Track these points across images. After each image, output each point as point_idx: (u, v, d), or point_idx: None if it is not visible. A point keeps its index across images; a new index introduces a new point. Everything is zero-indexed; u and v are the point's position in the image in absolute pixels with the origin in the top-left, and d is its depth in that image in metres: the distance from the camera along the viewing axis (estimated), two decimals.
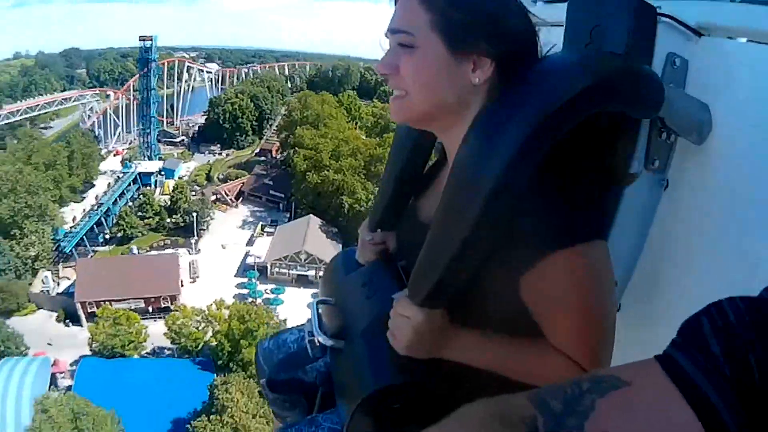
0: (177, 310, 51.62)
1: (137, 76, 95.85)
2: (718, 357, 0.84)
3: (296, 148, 76.64)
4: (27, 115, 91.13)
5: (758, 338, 0.82)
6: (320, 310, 2.14)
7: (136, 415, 39.35)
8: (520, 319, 1.65)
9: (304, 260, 61.67)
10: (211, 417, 37.66)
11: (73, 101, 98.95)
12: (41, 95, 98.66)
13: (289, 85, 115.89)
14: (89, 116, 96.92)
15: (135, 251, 67.81)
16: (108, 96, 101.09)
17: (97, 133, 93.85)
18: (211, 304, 50.16)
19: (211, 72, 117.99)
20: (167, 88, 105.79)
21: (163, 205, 74.62)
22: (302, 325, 2.45)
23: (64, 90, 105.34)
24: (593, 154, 1.72)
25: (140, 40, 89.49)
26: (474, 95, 1.68)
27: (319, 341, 2.02)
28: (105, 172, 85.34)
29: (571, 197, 1.61)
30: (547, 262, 1.55)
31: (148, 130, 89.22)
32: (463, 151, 1.54)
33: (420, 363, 1.74)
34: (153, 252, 68.58)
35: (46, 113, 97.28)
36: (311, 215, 69.12)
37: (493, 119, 1.50)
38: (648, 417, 0.85)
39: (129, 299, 54.07)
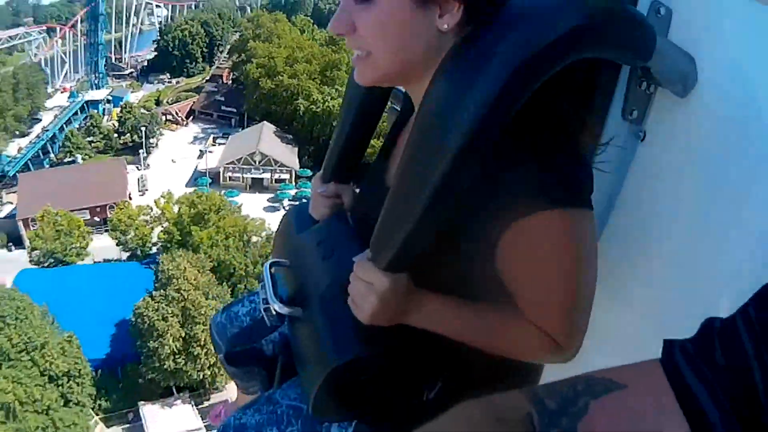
0: (122, 208, 49.14)
1: (84, 10, 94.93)
2: (722, 371, 0.83)
3: (249, 61, 74.50)
4: None
5: (764, 353, 0.82)
6: (273, 272, 1.95)
7: (75, 314, 36.90)
8: (491, 287, 1.54)
9: (259, 162, 59.82)
10: (154, 294, 35.11)
11: (19, 38, 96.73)
12: None
13: (240, 15, 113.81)
14: (35, 54, 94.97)
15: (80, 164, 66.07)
16: (54, 31, 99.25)
17: (44, 71, 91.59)
18: (159, 199, 48.00)
19: (160, 16, 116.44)
20: (115, 32, 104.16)
21: (110, 128, 73.05)
22: (253, 294, 2.39)
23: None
24: (574, 107, 1.58)
25: None
26: (443, 43, 1.45)
27: (276, 310, 1.84)
28: (52, 108, 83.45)
29: (554, 155, 1.45)
30: (526, 224, 1.41)
31: (95, 59, 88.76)
32: (430, 97, 1.36)
33: (385, 331, 1.60)
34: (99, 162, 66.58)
35: None
36: (265, 122, 67.37)
37: (464, 60, 1.33)
38: (639, 424, 0.85)
39: (74, 210, 51.22)
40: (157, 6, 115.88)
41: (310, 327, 1.79)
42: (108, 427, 36.10)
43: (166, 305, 33.88)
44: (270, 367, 2.27)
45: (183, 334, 33.60)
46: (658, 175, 1.92)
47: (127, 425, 36.51)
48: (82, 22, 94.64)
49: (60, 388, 32.05)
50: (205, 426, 33.47)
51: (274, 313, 1.86)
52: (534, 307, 1.51)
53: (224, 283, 38.06)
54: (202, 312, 33.47)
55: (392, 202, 1.48)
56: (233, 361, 2.34)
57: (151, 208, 48.34)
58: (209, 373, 34.74)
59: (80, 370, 33.40)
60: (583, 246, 1.47)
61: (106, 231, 50.73)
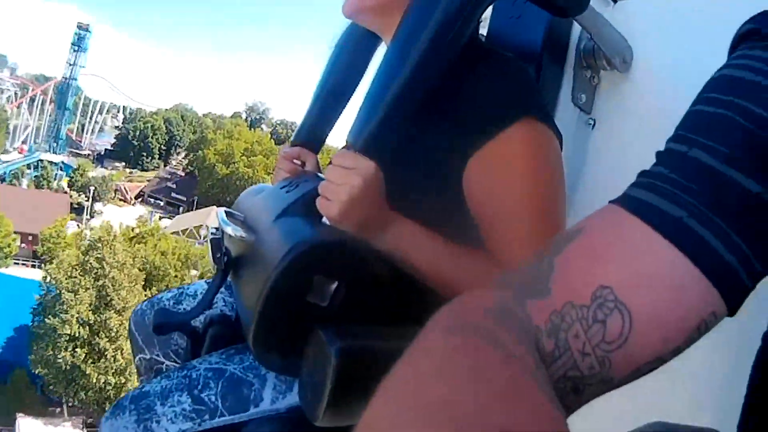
0: (56, 227, 47.95)
1: (58, 80, 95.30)
2: (674, 180, 0.79)
3: (205, 151, 76.30)
4: None
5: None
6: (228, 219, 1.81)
7: None
8: (459, 215, 1.55)
9: (204, 237, 57.51)
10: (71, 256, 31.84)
11: None
12: None
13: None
14: (3, 105, 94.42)
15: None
16: (26, 88, 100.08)
17: (7, 124, 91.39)
18: (95, 227, 45.92)
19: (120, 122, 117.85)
20: (79, 121, 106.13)
21: (59, 188, 72.36)
22: (179, 287, 2.28)
23: None
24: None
25: (78, 27, 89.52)
26: None
27: (228, 233, 1.69)
28: (4, 162, 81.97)
29: (515, 75, 1.60)
30: (493, 142, 1.48)
31: (59, 125, 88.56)
32: (406, 18, 1.53)
33: (345, 236, 1.52)
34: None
35: None
36: (215, 207, 65.60)
37: None
38: (615, 257, 0.78)
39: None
40: (122, 113, 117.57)
41: (260, 252, 1.63)
42: None
43: (81, 274, 29.59)
44: (197, 345, 2.03)
45: (91, 320, 28.71)
46: (612, 159, 2.05)
47: None
48: (53, 93, 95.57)
49: None
50: None
51: (222, 249, 1.78)
52: (496, 234, 1.50)
53: (153, 288, 32.23)
54: (121, 295, 29.15)
55: (371, 90, 1.54)
56: (161, 329, 1.97)
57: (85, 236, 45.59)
58: (114, 381, 28.67)
59: None
60: (547, 162, 1.53)
61: (33, 266, 49.06)
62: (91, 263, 29.64)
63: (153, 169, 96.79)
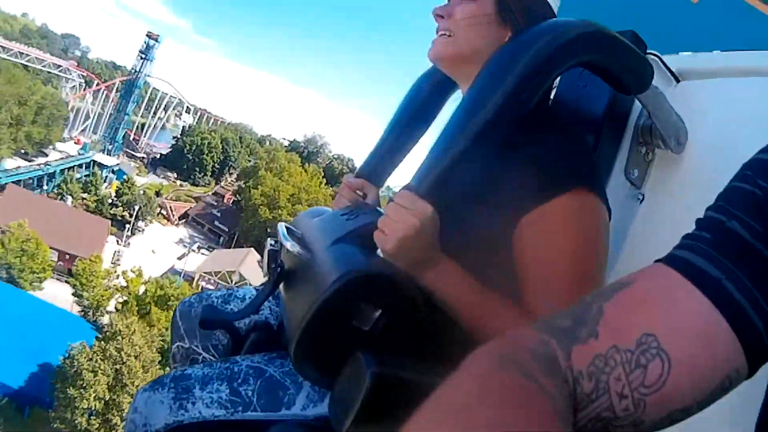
0: (92, 260, 48.21)
1: (125, 78, 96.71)
2: (715, 242, 0.88)
3: (254, 188, 76.40)
4: (16, 60, 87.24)
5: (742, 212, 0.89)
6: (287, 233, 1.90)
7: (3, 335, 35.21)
8: (503, 270, 1.62)
9: (235, 282, 57.56)
10: (94, 343, 33.42)
11: (60, 70, 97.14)
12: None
13: (260, 146, 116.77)
14: (67, 94, 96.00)
15: (69, 203, 65.81)
16: (90, 83, 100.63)
17: (68, 115, 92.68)
18: (126, 271, 48.01)
19: (185, 123, 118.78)
20: (141, 117, 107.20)
21: (107, 195, 73.10)
22: (229, 288, 2.49)
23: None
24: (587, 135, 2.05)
25: (147, 36, 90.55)
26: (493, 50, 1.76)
27: (287, 248, 1.80)
28: (60, 151, 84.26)
29: (574, 146, 1.73)
30: (547, 206, 1.58)
31: (117, 127, 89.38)
32: (480, 75, 1.63)
33: (395, 270, 1.58)
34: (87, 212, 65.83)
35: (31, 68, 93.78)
36: (252, 249, 66.91)
37: (501, 55, 1.64)
38: (660, 308, 0.86)
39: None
40: (186, 112, 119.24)
41: (312, 271, 1.70)
42: None
43: (101, 359, 31.74)
44: (237, 346, 2.14)
45: (107, 397, 31.20)
46: (657, 234, 2.09)
47: None
48: (117, 90, 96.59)
49: None
50: None
51: (278, 260, 1.89)
52: (535, 292, 1.58)
53: (168, 369, 34.16)
54: (135, 383, 30.86)
55: (440, 139, 1.63)
56: (208, 324, 2.11)
57: (118, 275, 48.07)
58: None
59: None
60: (593, 233, 1.63)
61: (66, 282, 49.69)
62: (110, 351, 31.53)
63: (204, 185, 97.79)
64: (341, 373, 1.55)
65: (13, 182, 63.66)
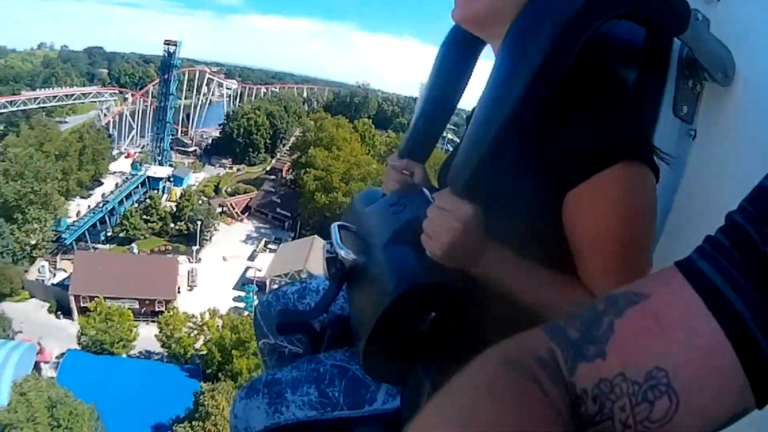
0: (171, 313, 50.74)
1: (157, 80, 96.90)
2: (739, 261, 0.83)
3: (307, 168, 76.84)
4: (44, 104, 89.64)
5: None
6: (341, 233, 2.02)
7: (117, 414, 37.97)
8: (554, 246, 1.64)
9: (301, 281, 59.49)
10: (194, 423, 36.24)
11: (91, 97, 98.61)
12: (61, 88, 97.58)
13: (306, 108, 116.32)
14: (105, 115, 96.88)
15: (135, 251, 67.23)
16: (126, 97, 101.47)
17: (110, 132, 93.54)
18: (205, 312, 49.57)
19: (230, 88, 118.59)
20: (185, 98, 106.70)
21: (168, 211, 74.23)
22: (303, 280, 2.51)
23: (84, 86, 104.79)
24: (626, 73, 1.95)
25: (165, 44, 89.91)
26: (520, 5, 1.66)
27: (341, 256, 1.92)
28: (114, 173, 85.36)
29: (619, 115, 1.63)
30: (594, 180, 1.54)
31: (161, 135, 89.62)
32: (505, 45, 1.58)
33: (448, 273, 1.65)
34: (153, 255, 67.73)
35: (63, 106, 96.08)
36: (316, 236, 67.36)
37: (527, 17, 1.54)
38: (675, 339, 0.82)
39: (124, 298, 52.95)
40: (226, 86, 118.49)
41: (371, 274, 1.83)
42: None
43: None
44: (317, 342, 2.27)
45: None
46: (711, 170, 2.02)
47: None
48: (152, 96, 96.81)
49: None
50: None
51: (337, 263, 1.96)
52: (593, 266, 1.60)
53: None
54: None
55: (471, 131, 1.60)
56: (284, 329, 2.28)
57: (196, 319, 49.78)
58: None
59: None
60: (641, 204, 1.60)
61: (153, 321, 51.91)
62: (207, 427, 35.56)
63: (260, 163, 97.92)
64: (406, 383, 1.82)
65: (79, 235, 65.83)
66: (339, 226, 2.04)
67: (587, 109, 1.60)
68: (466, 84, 2.14)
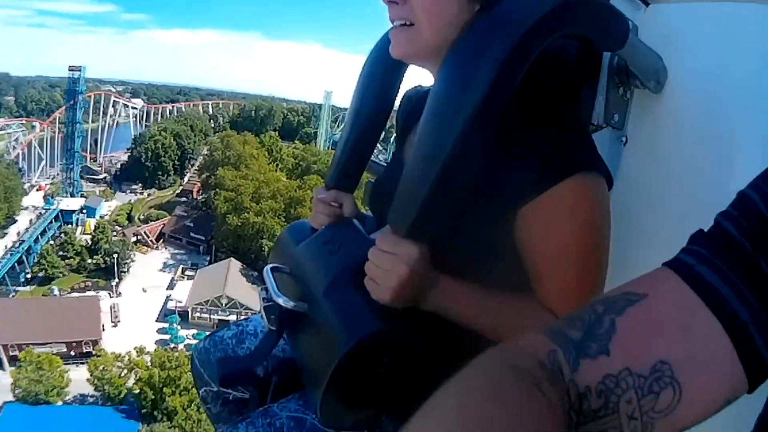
0: (98, 355, 51.15)
1: (63, 108, 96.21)
2: (729, 259, 0.86)
3: (217, 189, 77.87)
4: None
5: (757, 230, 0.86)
6: (274, 274, 1.90)
7: None
8: (508, 266, 1.59)
9: (225, 305, 61.25)
10: None
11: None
12: None
13: (212, 125, 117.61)
14: (14, 147, 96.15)
15: (56, 292, 66.84)
16: (33, 126, 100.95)
17: (21, 165, 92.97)
18: (131, 351, 50.30)
19: (136, 108, 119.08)
20: (92, 122, 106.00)
21: (84, 245, 74.14)
22: (239, 322, 2.36)
23: None
24: (566, 93, 1.78)
25: (69, 70, 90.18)
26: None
27: (279, 305, 1.78)
28: (27, 208, 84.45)
29: (566, 128, 1.59)
30: (546, 196, 1.48)
31: (71, 166, 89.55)
32: (447, 68, 1.49)
33: (399, 314, 1.59)
34: (74, 294, 67.26)
35: None
36: (231, 258, 69.56)
37: (469, 41, 1.47)
38: (676, 335, 0.85)
39: (51, 342, 53.25)
40: (131, 107, 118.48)
41: (316, 322, 1.69)
42: None
43: None
44: (262, 390, 2.14)
45: None
46: (642, 175, 2.05)
47: None
48: (60, 122, 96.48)
49: None
50: None
51: (275, 312, 1.80)
52: (550, 284, 1.53)
53: None
54: None
55: (411, 167, 1.50)
56: (229, 383, 2.13)
57: (123, 358, 50.24)
58: None
59: None
60: (599, 214, 1.53)
61: (82, 363, 51.93)
62: None
63: (170, 186, 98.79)
64: (369, 429, 1.75)
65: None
66: (272, 269, 1.92)
67: (536, 127, 1.54)
68: (391, 108, 2.08)
